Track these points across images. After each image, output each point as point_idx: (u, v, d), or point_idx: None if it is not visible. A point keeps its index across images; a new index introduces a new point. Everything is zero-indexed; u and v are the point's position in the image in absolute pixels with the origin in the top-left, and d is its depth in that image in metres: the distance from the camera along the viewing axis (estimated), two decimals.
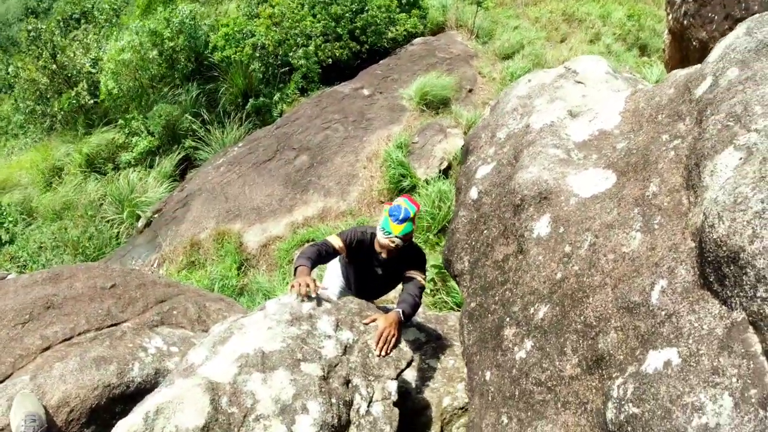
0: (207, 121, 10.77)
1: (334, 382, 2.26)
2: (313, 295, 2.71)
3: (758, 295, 0.87)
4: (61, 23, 15.80)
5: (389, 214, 2.99)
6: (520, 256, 1.65)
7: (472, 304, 1.89)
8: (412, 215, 2.94)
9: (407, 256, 3.28)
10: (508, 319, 1.56)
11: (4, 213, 9.06)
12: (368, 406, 2.30)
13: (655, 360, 0.99)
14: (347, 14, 11.07)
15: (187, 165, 10.74)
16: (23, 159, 11.76)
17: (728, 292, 0.94)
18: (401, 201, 3.01)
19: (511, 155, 2.07)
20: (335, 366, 2.34)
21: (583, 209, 1.47)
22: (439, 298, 5.72)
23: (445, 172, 7.45)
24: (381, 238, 3.07)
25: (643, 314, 1.09)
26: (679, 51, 4.69)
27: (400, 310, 2.86)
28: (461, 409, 3.23)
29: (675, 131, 1.40)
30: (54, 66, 13.10)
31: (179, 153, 10.47)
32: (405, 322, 3.06)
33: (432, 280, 5.83)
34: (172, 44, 11.29)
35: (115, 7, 15.84)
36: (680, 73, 1.72)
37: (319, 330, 2.51)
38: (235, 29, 11.14)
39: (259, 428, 1.95)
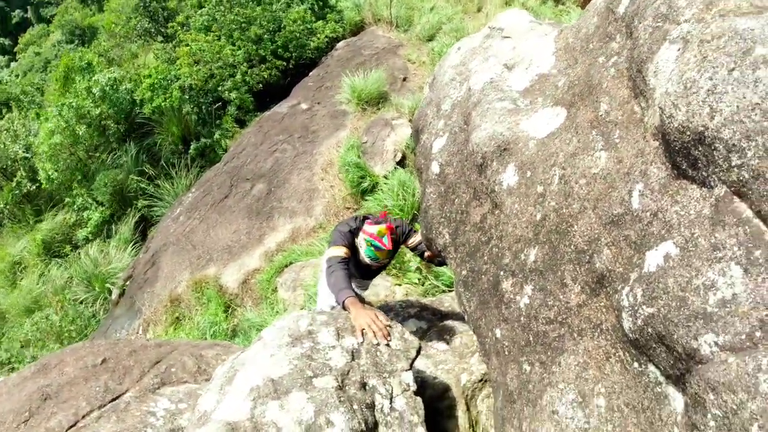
0: (153, 177, 10.62)
1: (351, 389, 2.23)
2: (390, 338, 2.55)
3: (733, 164, 0.90)
4: None
5: (373, 246, 3.21)
6: (496, 211, 1.66)
7: (464, 272, 1.89)
8: (392, 236, 3.25)
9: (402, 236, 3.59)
10: (502, 273, 1.56)
11: None
12: (391, 403, 2.28)
13: (654, 258, 1.01)
14: (266, 35, 11.03)
15: (145, 225, 10.59)
16: None
17: (704, 172, 0.96)
18: (375, 233, 3.20)
19: (461, 121, 2.08)
20: (347, 373, 2.31)
21: (544, 148, 1.49)
22: (430, 284, 5.74)
23: (401, 163, 7.49)
24: (367, 260, 3.32)
25: (629, 222, 1.11)
26: None
27: (347, 298, 2.74)
28: (480, 381, 3.25)
29: (609, 51, 1.44)
30: None
31: (134, 215, 10.33)
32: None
33: (417, 269, 5.85)
34: (97, 111, 11.08)
35: (38, 87, 15.45)
36: (599, 1, 1.76)
37: (321, 343, 2.48)
38: (159, 77, 10.96)
39: None
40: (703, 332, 0.85)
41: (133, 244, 9.79)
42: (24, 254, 11.04)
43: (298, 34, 11.19)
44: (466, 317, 1.97)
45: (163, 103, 10.64)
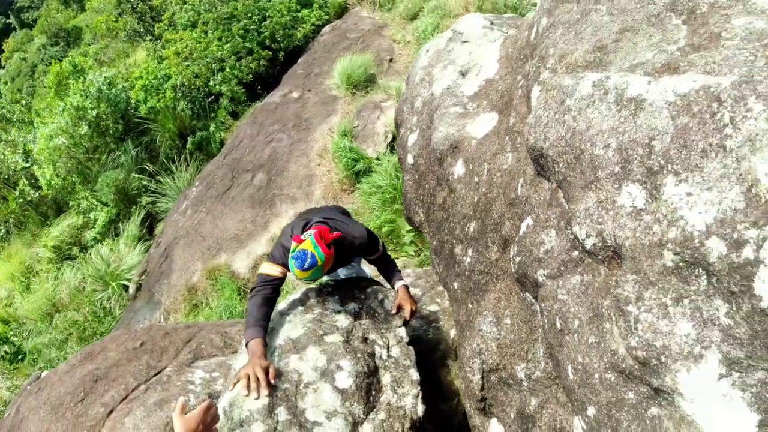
0: (154, 174, 10.88)
1: (355, 342, 2.76)
2: (266, 391, 2.37)
3: (556, 170, 1.44)
4: None
5: (293, 257, 2.57)
6: (452, 195, 2.17)
7: (434, 243, 2.41)
8: (320, 263, 2.55)
9: (352, 250, 2.98)
10: (454, 242, 2.09)
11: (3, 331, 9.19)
12: (388, 352, 2.81)
13: (523, 227, 1.56)
14: (252, 27, 11.25)
15: (151, 221, 10.84)
16: None
17: (548, 174, 1.48)
18: (308, 244, 2.54)
19: (428, 120, 2.57)
20: (351, 330, 2.84)
21: (481, 147, 1.99)
22: (425, 256, 6.22)
23: (393, 145, 7.90)
24: (291, 274, 2.72)
25: (517, 204, 1.63)
26: None
27: (404, 284, 3.00)
28: None
29: (523, 71, 1.92)
30: None
31: (139, 213, 10.64)
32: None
33: (412, 242, 6.34)
34: (95, 112, 11.32)
35: (24, 101, 15.65)
36: (529, 17, 2.22)
37: (329, 309, 3.01)
38: (150, 78, 11.26)
39: (310, 392, 2.44)
40: (538, 269, 1.38)
41: (142, 241, 10.10)
42: (35, 261, 11.27)
43: (284, 23, 11.42)
44: (437, 278, 2.49)
45: (157, 104, 10.93)
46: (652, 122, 1.14)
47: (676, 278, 1.08)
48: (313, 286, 3.18)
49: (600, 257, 1.26)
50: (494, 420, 1.76)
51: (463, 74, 2.53)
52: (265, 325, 2.67)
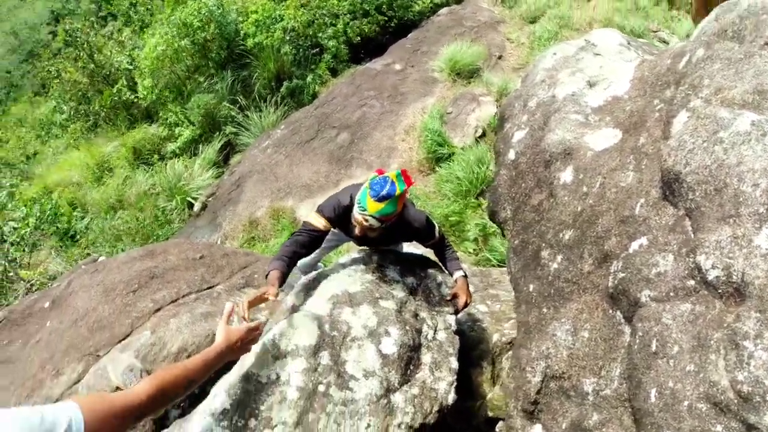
0: (244, 107, 11.09)
1: (406, 314, 2.81)
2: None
3: (689, 197, 1.39)
4: (94, 23, 16.20)
5: (369, 186, 2.48)
6: (551, 199, 2.16)
7: (516, 242, 2.40)
8: (397, 193, 2.43)
9: (406, 231, 2.94)
10: (543, 245, 2.08)
11: (63, 210, 9.74)
12: (434, 333, 2.85)
13: (634, 246, 1.53)
14: None
15: (229, 150, 11.17)
16: (72, 157, 12.40)
17: (677, 199, 1.45)
18: (392, 173, 2.49)
19: (542, 121, 2.54)
20: (405, 303, 2.89)
21: (597, 159, 1.96)
22: (483, 257, 6.19)
23: (480, 139, 7.83)
24: (355, 212, 2.62)
25: (630, 222, 1.60)
26: (704, 6, 4.82)
27: (464, 275, 3.06)
28: (509, 343, 3.74)
29: (663, 96, 1.86)
30: (92, 65, 13.65)
31: (220, 139, 10.92)
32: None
33: (475, 239, 6.31)
34: (203, 34, 11.63)
35: (149, 7, 16.32)
36: (676, 46, 2.15)
37: (388, 276, 3.07)
38: (264, 15, 11.49)
39: (355, 347, 2.52)
40: (644, 290, 1.36)
41: (216, 167, 10.37)
42: (113, 156, 11.70)
43: None
44: (509, 277, 2.49)
45: (264, 41, 11.14)
46: None
47: None
48: (373, 252, 3.23)
49: (719, 291, 1.26)
50: (539, 426, 1.77)
51: (591, 85, 2.48)
52: (289, 263, 2.69)
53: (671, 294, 1.36)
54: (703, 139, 1.40)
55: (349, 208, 2.77)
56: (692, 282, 1.33)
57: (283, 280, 2.61)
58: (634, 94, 2.22)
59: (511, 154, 2.64)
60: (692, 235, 1.37)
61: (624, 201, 1.70)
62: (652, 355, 1.32)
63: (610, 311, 1.62)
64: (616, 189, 1.77)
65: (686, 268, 1.34)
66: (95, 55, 13.71)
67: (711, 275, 1.27)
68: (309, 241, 2.78)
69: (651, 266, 1.43)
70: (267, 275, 2.61)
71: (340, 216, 2.82)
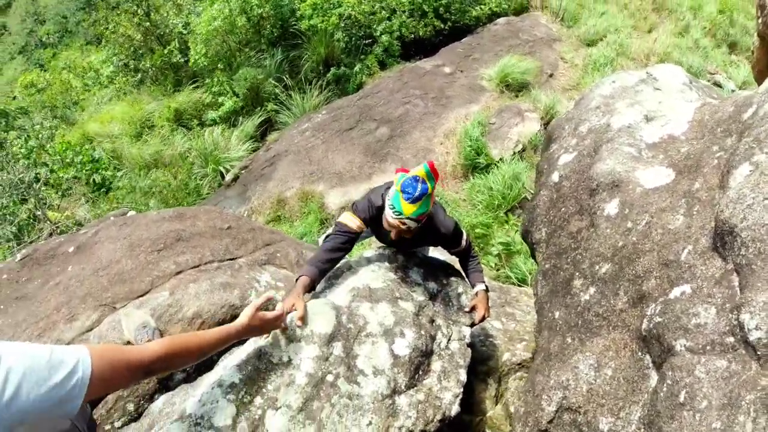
0: (289, 87, 11.24)
1: (423, 319, 2.80)
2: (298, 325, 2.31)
3: (741, 253, 1.35)
4: None
5: (401, 189, 2.39)
6: (591, 228, 2.12)
7: (547, 266, 2.37)
8: (430, 191, 2.37)
9: (433, 236, 2.88)
10: (577, 274, 2.05)
11: (101, 161, 9.92)
12: (448, 342, 2.84)
13: (675, 292, 1.49)
14: None
15: (267, 127, 11.29)
16: (115, 110, 12.59)
17: (727, 253, 1.41)
18: (420, 170, 2.37)
19: (591, 148, 2.50)
20: (423, 307, 2.88)
21: (646, 197, 1.92)
22: (503, 273, 6.14)
23: (519, 154, 7.75)
24: (389, 216, 2.53)
25: (674, 267, 1.57)
26: (766, 56, 4.66)
27: (485, 288, 3.03)
28: (519, 364, 3.71)
29: (723, 144, 1.81)
30: (148, 24, 13.94)
31: (261, 115, 11.07)
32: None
33: (498, 255, 6.25)
34: (260, 11, 11.79)
35: None
36: (741, 95, 2.09)
37: (410, 278, 3.06)
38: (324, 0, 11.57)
39: (368, 342, 2.52)
40: (680, 338, 1.33)
41: (252, 141, 10.53)
42: (155, 115, 11.91)
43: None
44: (534, 300, 2.46)
45: (320, 24, 11.23)
46: None
47: None
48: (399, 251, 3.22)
49: (758, 353, 1.23)
50: None
51: (648, 120, 2.43)
52: (324, 270, 2.65)
53: (708, 347, 1.33)
54: (765, 196, 1.36)
55: (380, 209, 2.73)
56: (731, 339, 1.30)
57: (312, 287, 2.57)
58: (692, 136, 2.17)
59: (555, 176, 2.60)
60: (738, 292, 1.34)
61: (670, 244, 1.67)
62: (678, 406, 1.29)
63: (639, 353, 1.59)
64: (662, 230, 1.74)
65: (728, 324, 1.31)
66: (152, 14, 14.00)
67: (753, 336, 1.24)
68: (346, 242, 2.74)
69: (691, 316, 1.40)
70: (297, 279, 2.54)
71: (374, 217, 2.80)
